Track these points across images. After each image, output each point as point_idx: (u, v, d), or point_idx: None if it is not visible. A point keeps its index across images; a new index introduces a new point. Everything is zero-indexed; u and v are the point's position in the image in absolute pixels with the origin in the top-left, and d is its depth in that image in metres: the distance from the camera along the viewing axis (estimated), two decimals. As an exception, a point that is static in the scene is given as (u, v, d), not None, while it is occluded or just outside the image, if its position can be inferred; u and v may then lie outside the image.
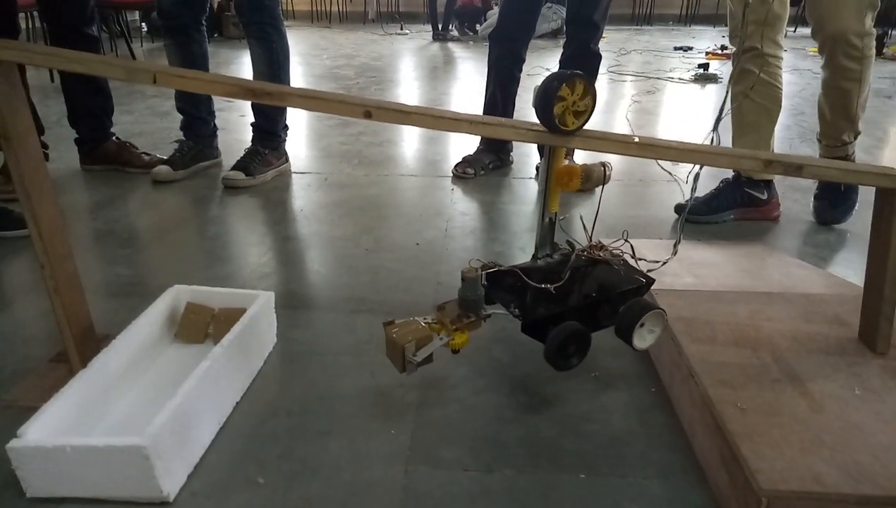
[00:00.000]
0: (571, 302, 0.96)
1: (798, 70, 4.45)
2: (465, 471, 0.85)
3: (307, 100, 0.81)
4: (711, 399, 0.84)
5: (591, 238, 1.08)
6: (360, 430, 0.93)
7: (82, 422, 0.87)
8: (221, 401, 0.95)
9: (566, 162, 0.98)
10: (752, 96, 1.66)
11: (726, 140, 2.56)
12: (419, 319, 0.95)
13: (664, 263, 1.06)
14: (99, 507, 0.79)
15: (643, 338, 0.95)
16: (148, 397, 0.98)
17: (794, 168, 0.84)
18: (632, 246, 1.08)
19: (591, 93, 0.85)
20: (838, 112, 1.61)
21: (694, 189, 1.02)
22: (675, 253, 1.06)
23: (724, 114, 1.03)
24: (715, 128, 1.05)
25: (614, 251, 1.07)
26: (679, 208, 1.77)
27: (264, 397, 1.00)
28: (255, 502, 0.80)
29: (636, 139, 0.84)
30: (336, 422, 0.94)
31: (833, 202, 1.71)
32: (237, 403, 0.98)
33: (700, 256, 1.34)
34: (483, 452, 0.89)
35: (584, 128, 0.87)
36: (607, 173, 1.02)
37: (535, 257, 1.06)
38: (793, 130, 2.80)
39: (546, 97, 0.83)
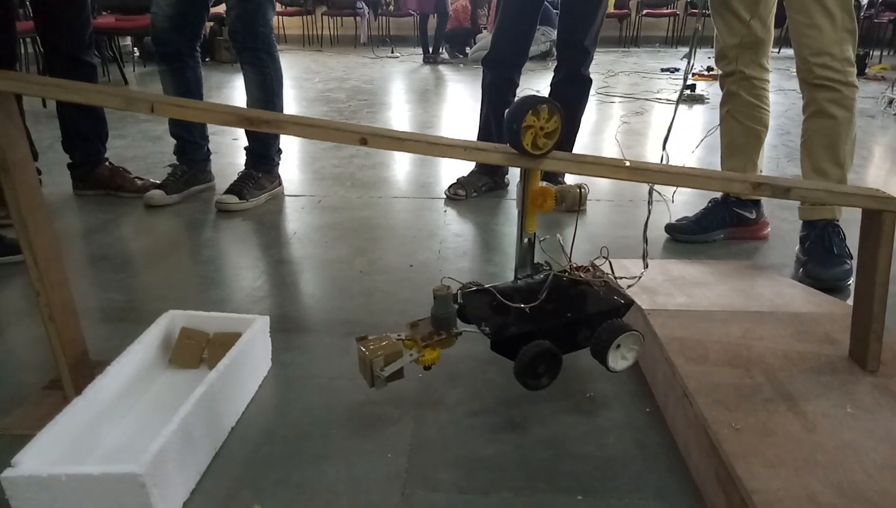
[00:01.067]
0: (544, 321, 0.97)
1: (783, 90, 4.53)
2: (462, 494, 0.85)
3: (304, 128, 0.82)
4: (706, 419, 0.85)
5: (570, 258, 1.10)
6: (356, 453, 0.93)
7: (77, 450, 0.86)
8: (217, 427, 0.94)
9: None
10: (738, 118, 1.68)
11: (712, 160, 2.60)
12: (392, 335, 0.96)
13: (637, 279, 1.09)
14: (94, 537, 0.78)
15: (618, 360, 0.96)
16: (142, 424, 0.97)
17: (781, 190, 0.86)
18: (610, 264, 1.10)
19: (556, 112, 0.87)
20: (822, 153, 1.49)
21: (651, 204, 1.04)
22: (645, 268, 1.12)
23: (669, 134, 1.08)
24: (664, 147, 1.09)
25: (597, 272, 1.08)
26: (669, 228, 1.79)
27: (260, 422, 1.00)
28: (251, 529, 0.80)
29: (627, 163, 0.85)
30: (332, 446, 0.94)
31: (824, 261, 1.49)
32: (232, 428, 0.98)
33: (692, 276, 1.35)
34: (479, 474, 0.89)
35: (575, 152, 0.89)
36: (583, 194, 1.04)
37: (515, 278, 1.08)
38: (780, 150, 2.84)
39: (513, 128, 0.86)
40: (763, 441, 0.81)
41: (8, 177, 0.86)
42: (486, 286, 1.04)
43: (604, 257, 1.09)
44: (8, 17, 1.67)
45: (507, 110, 0.88)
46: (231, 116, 0.82)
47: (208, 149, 2.20)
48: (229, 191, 1.99)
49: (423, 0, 6.60)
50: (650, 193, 1.23)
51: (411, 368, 1.13)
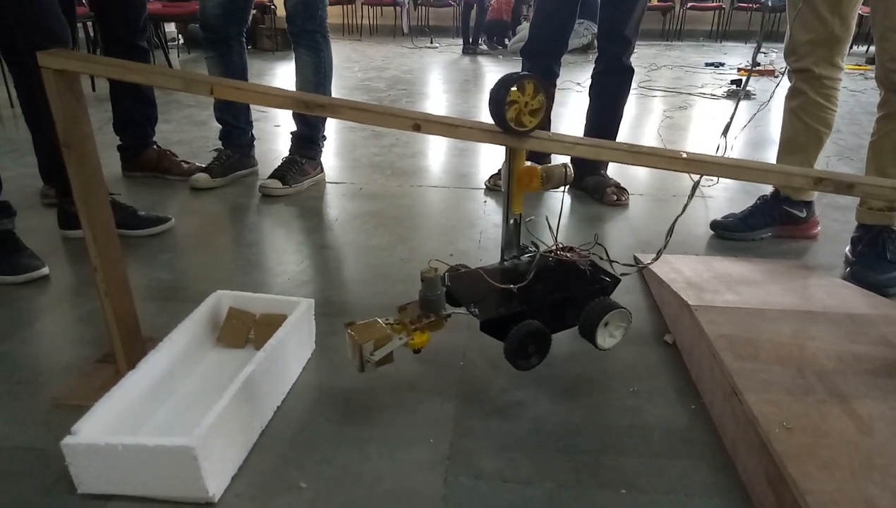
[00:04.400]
0: (532, 301, 0.97)
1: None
2: (505, 482, 0.85)
3: (359, 112, 0.83)
4: (756, 417, 0.83)
5: (556, 238, 1.09)
6: (399, 438, 0.93)
7: (130, 422, 0.89)
8: (264, 406, 0.96)
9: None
10: (802, 117, 1.62)
11: (758, 156, 2.53)
12: (380, 320, 0.96)
13: (644, 267, 1.07)
14: (145, 505, 0.81)
15: (606, 338, 0.96)
16: (191, 400, 1.00)
17: (844, 186, 0.83)
18: (605, 248, 1.10)
19: (542, 90, 0.86)
20: (891, 157, 1.41)
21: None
22: (656, 258, 1.13)
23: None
24: (724, 134, 1.07)
25: (581, 252, 1.08)
26: (715, 225, 1.76)
27: (304, 403, 1.02)
28: (297, 505, 0.81)
29: (684, 155, 0.84)
30: (375, 430, 0.95)
31: (874, 266, 1.45)
32: (278, 408, 0.99)
33: (739, 274, 1.33)
34: (522, 464, 0.89)
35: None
36: (568, 174, 1.03)
37: (502, 259, 1.08)
38: (829, 148, 2.74)
39: (497, 103, 0.84)
40: (816, 443, 0.79)
41: (71, 153, 0.88)
42: (474, 268, 1.04)
43: (597, 243, 1.09)
44: (69, 2, 1.72)
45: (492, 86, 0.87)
46: (288, 99, 0.83)
47: (252, 135, 2.23)
48: (273, 175, 2.02)
49: None
50: (694, 188, 1.22)
51: (453, 357, 1.14)
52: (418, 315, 0.97)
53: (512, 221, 1.04)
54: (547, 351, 0.96)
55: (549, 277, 1.03)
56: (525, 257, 1.08)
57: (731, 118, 1.09)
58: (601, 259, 1.09)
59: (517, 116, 0.85)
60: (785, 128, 1.68)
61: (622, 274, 1.06)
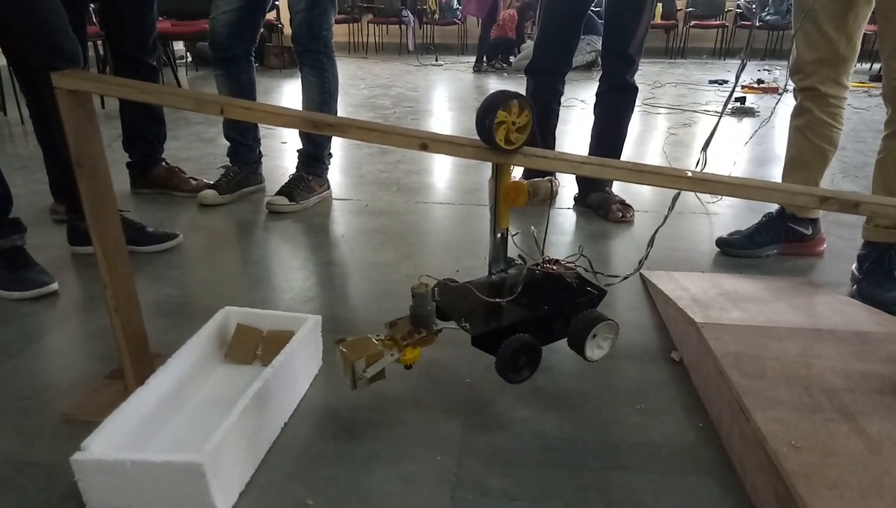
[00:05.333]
0: (521, 315, 0.97)
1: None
2: (513, 501, 0.85)
3: (366, 131, 0.84)
4: (764, 436, 0.83)
5: (542, 252, 1.10)
6: (406, 455, 0.93)
7: (139, 438, 0.89)
8: (271, 422, 0.96)
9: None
10: (808, 135, 1.62)
11: (761, 173, 2.53)
12: (371, 336, 0.96)
13: (625, 278, 1.07)
14: (153, 523, 0.81)
15: (594, 349, 0.96)
16: (199, 416, 1.00)
17: (850, 205, 0.83)
18: (589, 260, 1.11)
19: (527, 107, 0.87)
20: None
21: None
22: (639, 268, 1.15)
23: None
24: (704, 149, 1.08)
25: (567, 265, 1.08)
26: (720, 242, 1.76)
27: (311, 419, 1.02)
28: (304, 524, 0.81)
29: (689, 173, 0.85)
30: (382, 446, 0.95)
31: (881, 283, 1.46)
32: (285, 424, 1.00)
33: (746, 291, 1.33)
34: (530, 482, 0.88)
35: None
36: (554, 189, 1.04)
37: (490, 273, 1.08)
38: (833, 166, 2.74)
39: (487, 124, 0.86)
40: (825, 462, 0.79)
41: (83, 172, 0.90)
42: (463, 282, 1.04)
43: (583, 255, 1.11)
44: (80, 21, 1.75)
45: (478, 108, 0.88)
46: (296, 119, 0.85)
47: (260, 152, 2.25)
48: (280, 192, 2.03)
49: (481, 5, 6.61)
50: (672, 201, 1.23)
51: (459, 373, 1.14)
52: (409, 330, 0.97)
53: (499, 235, 1.05)
54: (538, 364, 0.97)
55: (536, 290, 1.04)
56: (511, 270, 1.09)
57: (712, 134, 1.11)
58: (586, 271, 1.10)
59: (506, 136, 0.87)
60: (790, 145, 1.69)
61: (607, 285, 1.08)
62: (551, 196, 1.05)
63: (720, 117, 1.34)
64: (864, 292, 1.44)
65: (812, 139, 1.62)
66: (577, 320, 0.97)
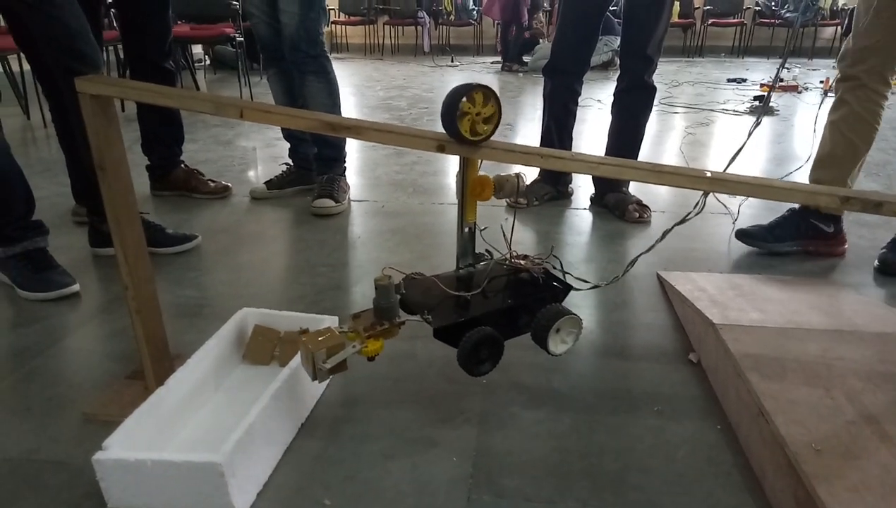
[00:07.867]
0: (484, 308, 0.97)
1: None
2: (528, 501, 0.85)
3: (383, 134, 0.84)
4: (784, 438, 0.82)
5: (510, 246, 1.09)
6: (422, 456, 0.94)
7: (159, 438, 0.91)
8: (289, 423, 0.97)
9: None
10: (843, 130, 1.59)
11: (779, 173, 2.50)
12: (334, 328, 0.96)
13: (609, 283, 1.06)
14: (173, 521, 0.82)
15: (558, 344, 0.96)
16: (217, 416, 1.01)
17: (872, 205, 0.82)
18: (559, 259, 1.11)
19: (492, 98, 0.87)
20: None
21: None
22: (625, 272, 1.15)
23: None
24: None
25: (535, 261, 1.08)
26: (740, 233, 1.74)
27: (327, 420, 1.02)
28: (322, 523, 0.82)
29: (708, 174, 0.84)
30: (398, 447, 0.96)
31: None
32: (302, 425, 1.00)
33: (765, 291, 1.31)
34: (545, 483, 0.88)
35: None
36: (521, 184, 1.04)
37: (457, 267, 1.08)
38: (855, 164, 2.72)
39: (450, 116, 0.86)
40: (846, 465, 0.78)
41: (105, 175, 0.91)
42: (428, 275, 1.04)
43: (554, 256, 1.10)
44: (97, 27, 1.77)
45: (443, 100, 0.88)
46: (315, 122, 0.85)
47: (319, 153, 2.22)
48: (322, 195, 2.04)
49: (504, 8, 6.63)
50: (702, 200, 1.22)
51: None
52: (372, 322, 0.97)
53: (466, 230, 1.06)
54: (499, 357, 0.96)
55: (502, 284, 1.04)
56: (479, 265, 1.09)
57: (743, 144, 1.08)
58: (554, 269, 1.10)
59: (472, 127, 0.87)
60: (824, 141, 1.66)
61: (576, 289, 1.08)
62: (517, 192, 1.05)
63: (754, 126, 1.31)
64: (887, 258, 1.48)
65: (847, 134, 1.59)
66: (540, 314, 0.97)
